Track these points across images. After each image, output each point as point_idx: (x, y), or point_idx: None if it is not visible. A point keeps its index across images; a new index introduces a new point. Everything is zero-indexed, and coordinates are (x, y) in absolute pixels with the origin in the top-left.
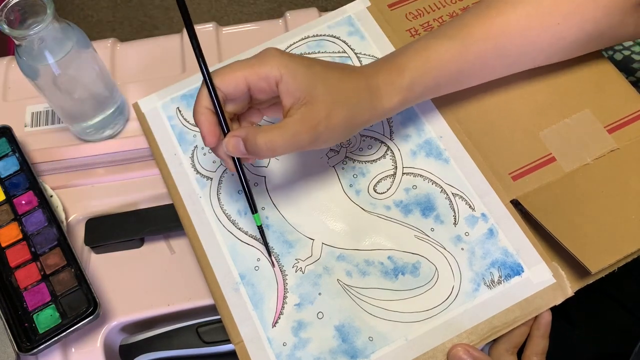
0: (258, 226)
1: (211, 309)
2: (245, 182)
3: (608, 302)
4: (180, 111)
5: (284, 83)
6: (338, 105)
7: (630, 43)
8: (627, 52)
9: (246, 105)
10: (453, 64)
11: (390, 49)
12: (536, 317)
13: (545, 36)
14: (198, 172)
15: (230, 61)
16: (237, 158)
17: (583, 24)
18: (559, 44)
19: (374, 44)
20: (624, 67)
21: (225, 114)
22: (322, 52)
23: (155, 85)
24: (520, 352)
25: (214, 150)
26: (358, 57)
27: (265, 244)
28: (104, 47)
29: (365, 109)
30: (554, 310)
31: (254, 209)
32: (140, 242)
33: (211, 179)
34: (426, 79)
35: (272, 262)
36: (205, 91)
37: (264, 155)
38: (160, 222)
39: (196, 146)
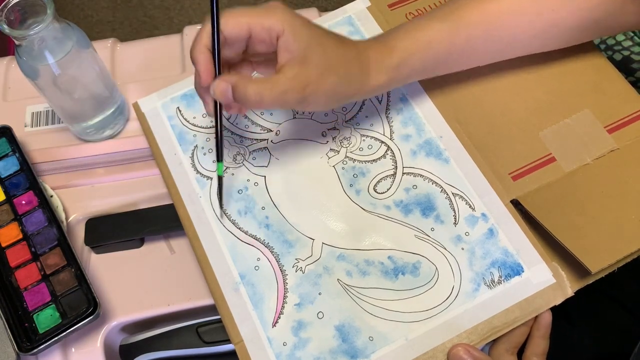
0: (219, 176)
1: (211, 309)
2: (220, 130)
3: (608, 302)
4: (180, 111)
5: (284, 38)
6: (330, 71)
7: (630, 43)
8: (626, 53)
9: (240, 54)
10: (442, 46)
11: None
12: (537, 317)
13: (539, 23)
14: (198, 171)
15: None
16: (219, 104)
17: (578, 11)
18: (552, 31)
19: None
20: (624, 67)
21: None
22: None
23: (155, 85)
24: (520, 352)
25: (200, 92)
26: None
27: (220, 193)
28: (104, 47)
29: (353, 82)
30: (554, 310)
31: (219, 157)
32: (140, 242)
33: (211, 178)
34: (414, 60)
35: (222, 210)
36: (207, 29)
37: (250, 104)
38: (160, 222)
39: (196, 146)
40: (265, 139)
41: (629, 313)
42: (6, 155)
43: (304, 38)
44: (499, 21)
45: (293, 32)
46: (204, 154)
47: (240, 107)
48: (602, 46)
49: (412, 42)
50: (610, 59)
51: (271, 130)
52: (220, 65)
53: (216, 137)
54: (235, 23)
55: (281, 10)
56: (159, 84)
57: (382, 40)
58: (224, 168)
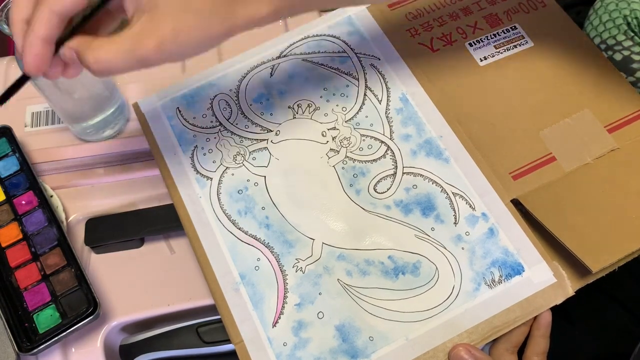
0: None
1: (211, 309)
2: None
3: (608, 302)
4: (180, 111)
5: None
6: (186, 15)
7: (630, 43)
8: (626, 52)
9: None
10: None
11: (391, 49)
12: (536, 317)
13: None
14: (198, 172)
15: (230, 62)
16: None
17: None
18: None
19: (373, 44)
20: (624, 67)
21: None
22: (322, 52)
23: (155, 85)
24: (520, 351)
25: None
26: (358, 57)
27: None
28: None
29: (223, 19)
30: (554, 309)
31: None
32: (140, 242)
33: (211, 179)
34: None
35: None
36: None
37: (97, 74)
38: (160, 222)
39: (196, 146)
40: (265, 139)
41: (629, 313)
42: (6, 155)
43: None
44: None
45: None
46: (204, 154)
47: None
48: (602, 46)
49: None
50: (610, 59)
51: (271, 131)
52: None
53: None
54: None
55: None
56: (158, 84)
57: None
58: (224, 169)
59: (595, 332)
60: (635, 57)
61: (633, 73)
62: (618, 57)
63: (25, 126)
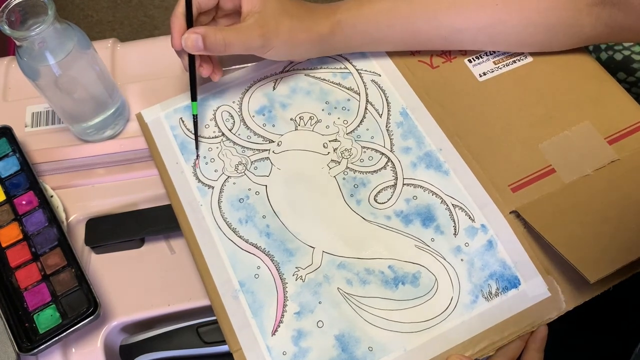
0: (194, 115)
1: (211, 309)
2: (193, 72)
3: (608, 303)
4: (183, 121)
5: None
6: (284, 16)
7: (630, 42)
8: (627, 52)
9: (210, 19)
10: (383, 16)
11: (392, 66)
12: (533, 330)
13: (483, 15)
14: (200, 180)
15: (233, 75)
16: (190, 57)
17: (525, 11)
18: (499, 27)
19: (375, 61)
20: (624, 67)
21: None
22: (324, 68)
23: (155, 85)
24: None
25: (177, 52)
26: (359, 73)
27: (195, 132)
28: (104, 47)
29: (304, 26)
30: None
31: (194, 97)
32: (140, 242)
33: (213, 187)
34: (355, 22)
35: (197, 157)
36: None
37: (219, 50)
38: (160, 222)
39: (198, 155)
40: (267, 149)
41: (629, 314)
42: (6, 156)
43: None
44: (440, 4)
45: None
46: (206, 163)
47: (212, 68)
48: (603, 46)
49: (355, 3)
50: (611, 59)
51: (273, 141)
52: (192, 22)
53: (190, 79)
54: None
55: None
56: (159, 84)
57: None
58: (226, 177)
59: (595, 332)
60: (636, 57)
61: (633, 73)
62: (618, 57)
63: (26, 126)
